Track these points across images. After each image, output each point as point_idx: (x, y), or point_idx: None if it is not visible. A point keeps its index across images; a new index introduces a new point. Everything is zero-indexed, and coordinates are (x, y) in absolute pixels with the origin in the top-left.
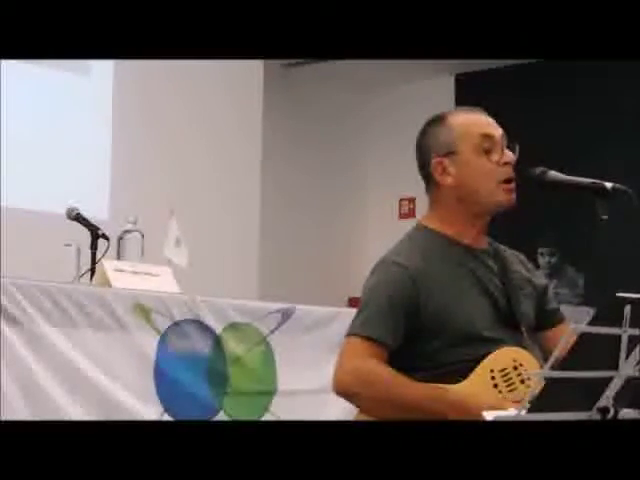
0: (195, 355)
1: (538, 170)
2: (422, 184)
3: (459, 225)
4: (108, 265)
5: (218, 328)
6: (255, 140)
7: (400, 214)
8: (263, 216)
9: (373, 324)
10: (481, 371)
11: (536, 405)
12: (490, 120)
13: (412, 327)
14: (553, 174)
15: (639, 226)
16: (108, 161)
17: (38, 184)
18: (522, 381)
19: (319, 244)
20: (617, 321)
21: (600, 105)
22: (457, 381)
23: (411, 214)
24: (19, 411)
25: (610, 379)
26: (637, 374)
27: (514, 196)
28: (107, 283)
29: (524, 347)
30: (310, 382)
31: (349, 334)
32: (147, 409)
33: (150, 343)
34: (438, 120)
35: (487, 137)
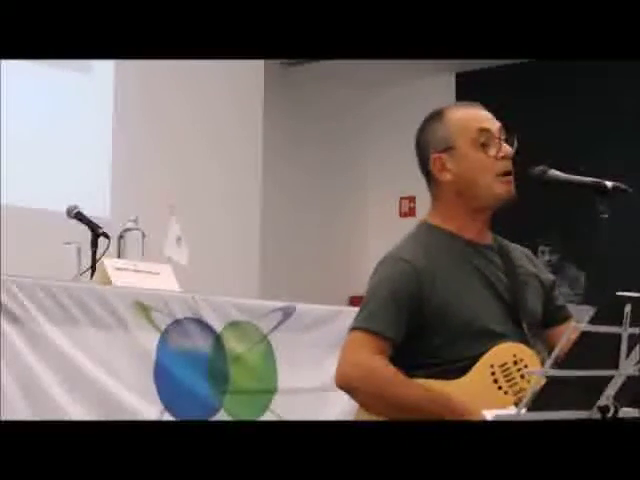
0: (195, 353)
1: (538, 169)
2: (422, 183)
3: (460, 220)
4: (109, 263)
5: (219, 326)
6: (255, 139)
7: (400, 213)
8: (264, 215)
9: (376, 318)
10: (481, 366)
11: (536, 404)
12: (488, 114)
13: (416, 322)
14: (553, 173)
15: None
16: (109, 159)
17: (39, 182)
18: (522, 376)
19: (320, 243)
20: (617, 320)
21: (600, 105)
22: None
23: (411, 213)
24: (19, 410)
25: (610, 378)
26: (637, 373)
27: (513, 188)
28: (108, 281)
29: (527, 342)
30: (311, 380)
31: (352, 328)
32: (147, 407)
33: (151, 341)
34: (436, 116)
35: (484, 131)
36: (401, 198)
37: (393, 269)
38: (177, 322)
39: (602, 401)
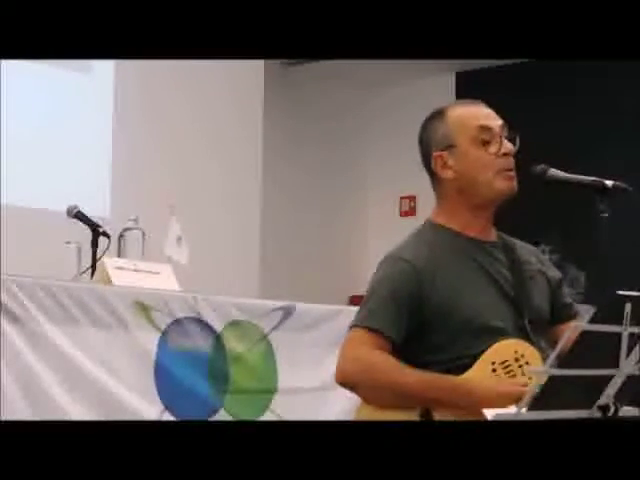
0: (196, 353)
1: (539, 168)
2: (423, 182)
3: (463, 218)
4: (109, 263)
5: (219, 326)
6: (256, 139)
7: (401, 212)
8: (264, 214)
9: (376, 316)
10: (482, 363)
11: (536, 403)
12: (489, 111)
13: (416, 321)
14: (554, 172)
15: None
16: (109, 159)
17: (39, 182)
18: (523, 373)
19: (320, 242)
20: (618, 319)
21: (600, 105)
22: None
23: (412, 212)
24: (19, 410)
25: (611, 377)
26: (637, 372)
27: (514, 183)
28: (108, 281)
29: (529, 339)
30: (311, 380)
31: (351, 326)
32: (147, 407)
33: (151, 341)
34: (437, 114)
35: (485, 129)
36: (401, 197)
37: (393, 268)
38: (177, 322)
39: (602, 400)
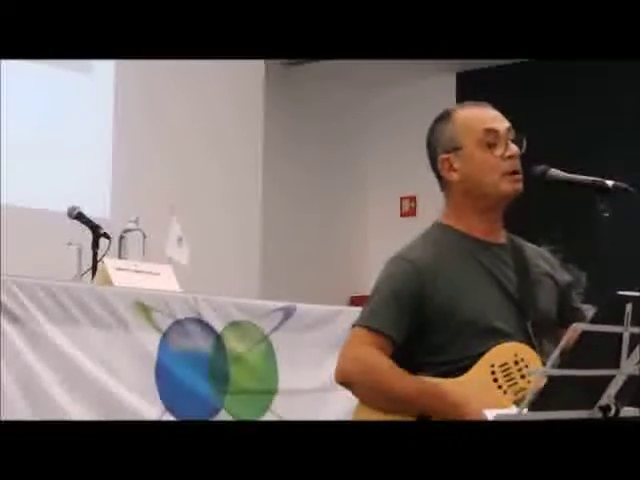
0: (196, 354)
1: (539, 168)
2: (423, 182)
3: (470, 220)
4: (109, 264)
5: (219, 327)
6: (256, 139)
7: (401, 212)
8: (264, 215)
9: (377, 316)
10: (481, 365)
11: (537, 403)
12: (495, 114)
13: (418, 320)
14: (554, 172)
15: None
16: (109, 160)
17: (39, 183)
18: (522, 376)
19: (320, 243)
20: (618, 319)
21: (600, 105)
22: None
23: (412, 212)
24: (19, 410)
25: (611, 377)
26: (638, 372)
27: (520, 185)
28: (108, 282)
29: (531, 342)
30: (311, 381)
31: (353, 325)
32: (148, 408)
33: (151, 342)
34: (443, 117)
35: (490, 131)
36: (401, 198)
37: (396, 269)
38: (178, 322)
39: (603, 401)
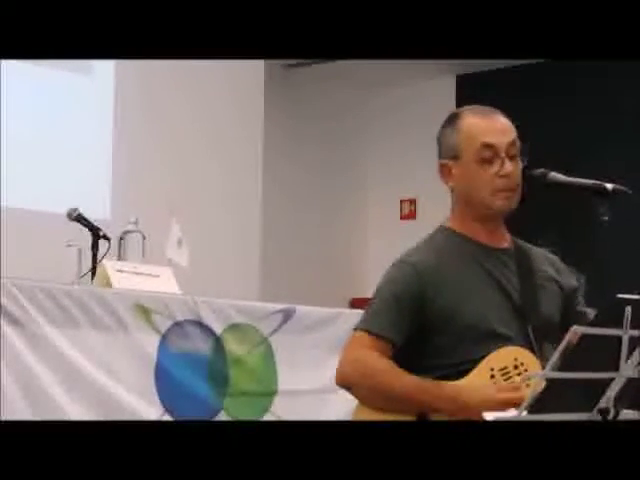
0: (196, 356)
1: (539, 171)
2: (423, 185)
3: (471, 224)
4: (109, 265)
5: (219, 329)
6: (256, 140)
7: (401, 215)
8: (264, 216)
9: (377, 319)
10: (481, 369)
11: (537, 406)
12: (500, 126)
13: (419, 324)
14: (554, 175)
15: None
16: (109, 161)
17: (39, 184)
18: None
19: (320, 243)
20: (618, 322)
21: (600, 105)
22: None
23: (412, 215)
24: (19, 410)
25: (611, 380)
26: (637, 375)
27: (512, 202)
28: (108, 284)
29: (532, 347)
30: (311, 382)
31: (354, 328)
32: (148, 410)
33: (151, 344)
34: (451, 120)
35: (488, 147)
36: (401, 200)
37: (397, 272)
38: (177, 324)
39: (602, 403)
